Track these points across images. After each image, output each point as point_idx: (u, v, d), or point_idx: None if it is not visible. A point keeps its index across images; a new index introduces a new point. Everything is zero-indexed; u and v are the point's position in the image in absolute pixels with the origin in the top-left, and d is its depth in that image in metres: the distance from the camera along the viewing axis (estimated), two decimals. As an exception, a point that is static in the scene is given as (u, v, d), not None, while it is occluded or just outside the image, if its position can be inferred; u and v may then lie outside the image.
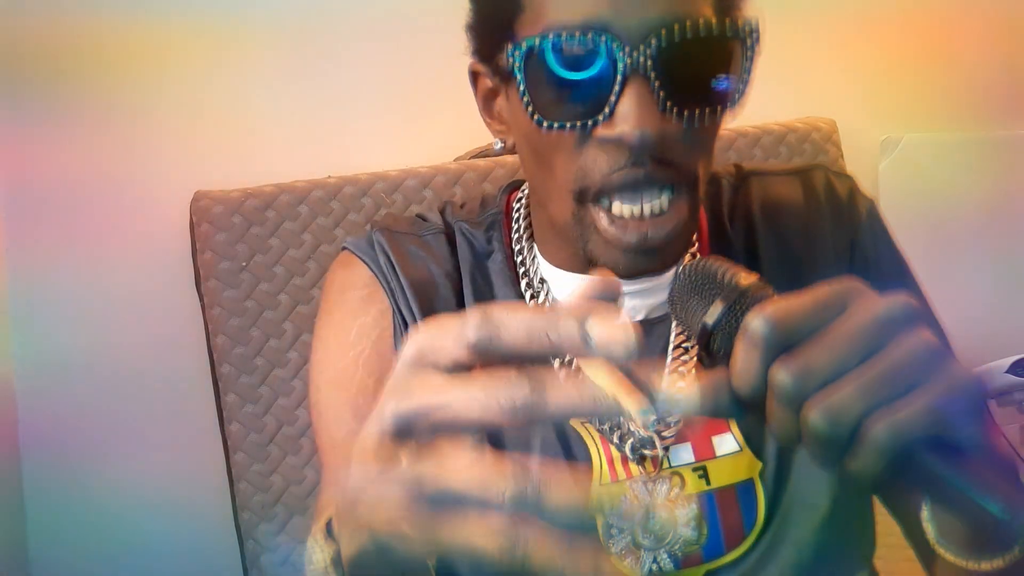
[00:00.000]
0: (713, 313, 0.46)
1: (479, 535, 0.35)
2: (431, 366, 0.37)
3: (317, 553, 0.47)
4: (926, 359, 0.41)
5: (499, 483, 0.34)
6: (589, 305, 0.36)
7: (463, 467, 0.35)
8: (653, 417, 0.35)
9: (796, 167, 0.81)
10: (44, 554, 1.16)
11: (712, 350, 0.47)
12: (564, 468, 0.35)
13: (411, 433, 0.37)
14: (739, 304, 0.46)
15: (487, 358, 0.36)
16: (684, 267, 0.50)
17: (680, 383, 0.71)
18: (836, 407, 0.40)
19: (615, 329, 0.35)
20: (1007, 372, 1.19)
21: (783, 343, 0.42)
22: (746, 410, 0.44)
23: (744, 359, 0.43)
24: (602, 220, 0.64)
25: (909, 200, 1.31)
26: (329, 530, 0.46)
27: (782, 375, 0.41)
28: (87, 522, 1.15)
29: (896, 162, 1.38)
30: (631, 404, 0.35)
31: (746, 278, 0.47)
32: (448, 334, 0.36)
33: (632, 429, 0.70)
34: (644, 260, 0.65)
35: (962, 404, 0.41)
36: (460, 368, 0.37)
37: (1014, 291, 1.38)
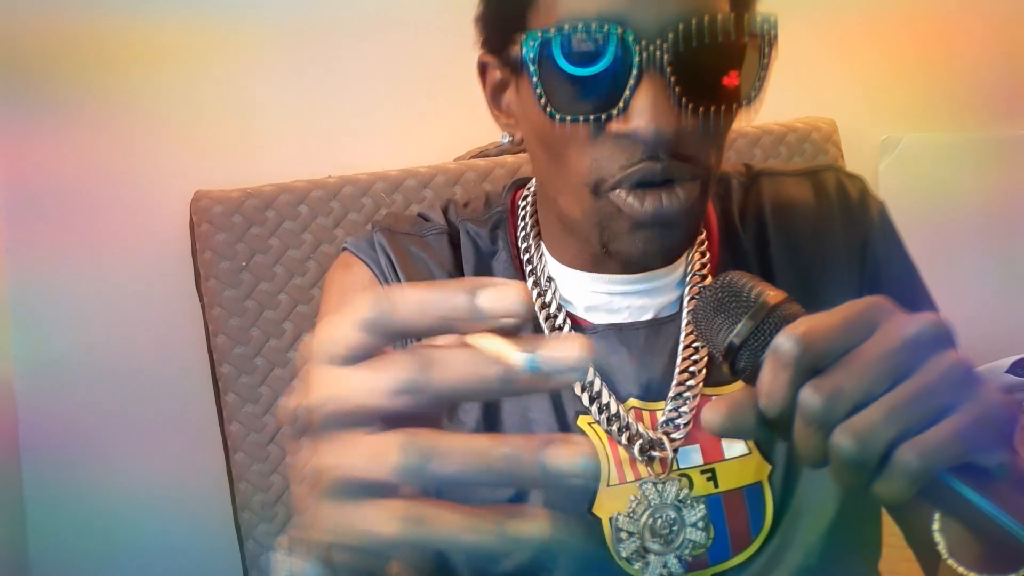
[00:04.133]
0: (740, 331, 0.45)
1: (378, 521, 0.34)
2: (326, 358, 0.36)
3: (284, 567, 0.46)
4: (957, 383, 0.41)
5: (380, 459, 0.34)
6: (484, 279, 0.36)
7: (351, 453, 0.35)
8: (542, 362, 0.33)
9: (807, 167, 0.80)
10: (44, 554, 1.16)
11: (737, 369, 0.46)
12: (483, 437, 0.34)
13: (308, 429, 0.36)
14: (767, 322, 0.45)
15: (386, 339, 0.35)
16: (709, 283, 0.49)
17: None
18: (867, 432, 0.40)
19: (504, 295, 0.34)
20: (1007, 372, 1.19)
21: (813, 364, 0.41)
22: (771, 430, 0.43)
23: (772, 379, 0.42)
24: (620, 197, 0.63)
25: (909, 200, 1.31)
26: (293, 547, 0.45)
27: (813, 397, 0.41)
28: (87, 522, 1.15)
29: (896, 162, 1.38)
30: (514, 358, 0.33)
31: (774, 295, 0.46)
32: (344, 321, 0.36)
33: (641, 431, 0.69)
34: (659, 236, 0.64)
35: (993, 430, 0.41)
36: (361, 355, 0.36)
37: (1014, 291, 1.38)
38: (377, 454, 0.34)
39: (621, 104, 0.60)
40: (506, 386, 0.34)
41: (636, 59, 0.58)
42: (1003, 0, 1.38)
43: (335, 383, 0.35)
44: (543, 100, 0.61)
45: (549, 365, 0.33)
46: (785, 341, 0.41)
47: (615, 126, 0.61)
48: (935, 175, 1.38)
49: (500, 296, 0.34)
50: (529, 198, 0.78)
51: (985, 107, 1.39)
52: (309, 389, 0.36)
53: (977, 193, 1.39)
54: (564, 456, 0.33)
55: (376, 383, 0.34)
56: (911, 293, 0.76)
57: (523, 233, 0.76)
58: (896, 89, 1.37)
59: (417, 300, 0.35)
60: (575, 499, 0.68)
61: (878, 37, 1.35)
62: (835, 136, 1.22)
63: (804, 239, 0.75)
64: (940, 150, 1.39)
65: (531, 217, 0.77)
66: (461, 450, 0.34)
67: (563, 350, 0.33)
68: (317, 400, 0.36)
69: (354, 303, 0.35)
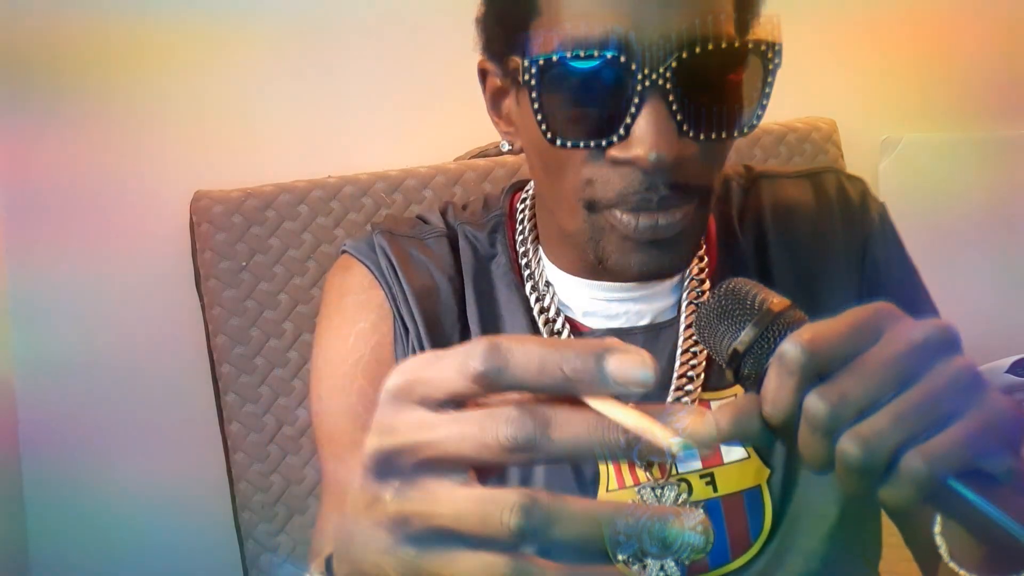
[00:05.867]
0: (744, 339, 0.45)
1: (476, 574, 0.33)
2: (418, 400, 0.35)
3: None
4: (964, 388, 0.40)
5: (494, 517, 0.32)
6: (606, 340, 0.34)
7: (453, 504, 0.34)
8: (685, 450, 0.33)
9: (807, 169, 0.80)
10: (44, 554, 1.16)
11: (741, 375, 0.46)
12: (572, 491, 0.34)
13: (395, 472, 0.35)
14: (772, 329, 0.45)
15: (491, 391, 0.34)
16: (712, 290, 0.49)
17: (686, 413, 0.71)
18: (873, 438, 0.39)
19: (636, 364, 0.33)
20: (1007, 372, 1.19)
21: (818, 370, 0.41)
22: (775, 436, 0.43)
23: (777, 386, 0.42)
24: (615, 215, 0.63)
25: (909, 200, 1.31)
26: (329, 567, 0.44)
27: (818, 404, 0.40)
28: (87, 522, 1.15)
29: (896, 162, 1.38)
30: (663, 437, 0.32)
31: (778, 303, 0.46)
32: (446, 365, 0.34)
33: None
34: (655, 255, 0.63)
35: (1000, 435, 0.41)
36: (453, 402, 0.34)
37: (1014, 291, 1.38)
38: (490, 511, 0.33)
39: (622, 130, 0.59)
40: (622, 455, 0.33)
41: (638, 85, 0.58)
42: (1003, 0, 1.38)
43: (433, 428, 0.34)
44: (543, 125, 0.60)
45: (694, 450, 0.33)
46: (791, 348, 0.41)
47: (615, 152, 0.60)
48: (935, 175, 1.38)
49: (630, 365, 0.33)
50: (528, 201, 0.78)
51: (985, 107, 1.39)
52: (398, 430, 0.35)
53: (977, 193, 1.39)
54: (686, 529, 0.33)
55: (489, 438, 0.33)
56: (911, 296, 0.76)
57: (521, 237, 0.76)
58: (896, 89, 1.37)
59: (537, 357, 0.33)
60: None
61: (878, 37, 1.35)
62: (835, 136, 1.22)
63: (803, 242, 0.75)
64: (940, 150, 1.39)
65: (529, 221, 0.76)
66: (583, 516, 0.33)
67: (703, 431, 0.33)
68: (408, 442, 0.35)
69: (465, 349, 0.34)
